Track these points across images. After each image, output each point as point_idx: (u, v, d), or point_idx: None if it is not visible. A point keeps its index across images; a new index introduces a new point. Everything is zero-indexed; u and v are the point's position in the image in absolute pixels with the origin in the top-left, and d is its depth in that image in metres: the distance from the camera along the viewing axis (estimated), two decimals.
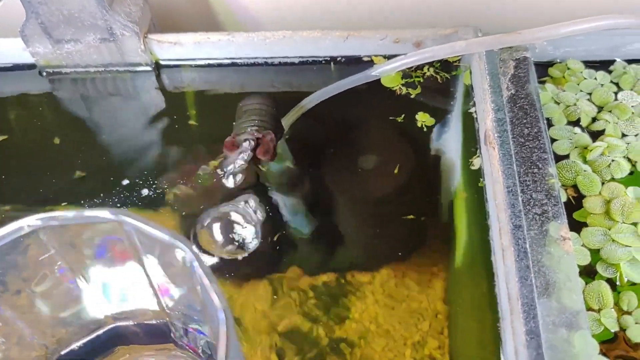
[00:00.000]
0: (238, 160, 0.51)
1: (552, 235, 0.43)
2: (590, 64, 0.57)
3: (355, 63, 0.60)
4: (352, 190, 0.55)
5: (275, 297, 0.47)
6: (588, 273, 0.43)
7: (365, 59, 0.60)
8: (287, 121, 0.57)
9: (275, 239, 0.51)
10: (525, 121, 0.50)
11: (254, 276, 0.49)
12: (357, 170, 0.55)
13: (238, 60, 0.61)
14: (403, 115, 0.56)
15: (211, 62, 0.61)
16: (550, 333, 0.38)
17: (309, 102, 0.58)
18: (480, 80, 0.53)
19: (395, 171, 0.54)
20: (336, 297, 0.47)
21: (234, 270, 0.49)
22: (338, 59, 0.60)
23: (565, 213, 0.44)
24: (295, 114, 0.58)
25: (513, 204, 0.44)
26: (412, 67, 0.58)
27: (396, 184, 0.54)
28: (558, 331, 0.38)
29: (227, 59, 0.61)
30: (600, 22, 0.53)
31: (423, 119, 0.55)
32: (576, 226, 0.46)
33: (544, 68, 0.57)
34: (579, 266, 0.43)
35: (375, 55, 0.59)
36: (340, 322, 0.45)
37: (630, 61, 0.57)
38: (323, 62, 0.61)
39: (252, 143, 0.53)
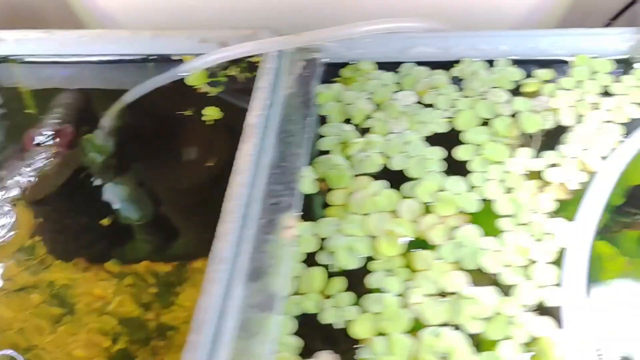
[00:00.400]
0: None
1: (279, 224, 0.46)
2: (385, 66, 0.60)
3: (167, 62, 0.63)
4: (166, 182, 0.58)
5: (110, 281, 0.50)
6: (312, 260, 0.46)
7: (176, 57, 0.63)
8: (107, 117, 0.60)
9: (105, 224, 0.54)
10: (293, 118, 0.53)
11: (91, 262, 0.51)
12: (171, 163, 0.58)
13: (59, 58, 0.64)
14: (199, 110, 0.59)
15: (35, 58, 0.64)
16: (245, 314, 0.41)
17: (123, 100, 0.61)
18: (263, 79, 0.56)
19: (208, 164, 0.57)
20: (168, 284, 0.50)
21: (73, 256, 0.51)
22: (151, 57, 0.63)
23: (301, 204, 0.47)
24: (112, 110, 0.61)
25: (249, 194, 0.47)
26: (218, 67, 0.61)
27: (209, 176, 0.57)
28: (254, 313, 0.41)
29: (48, 55, 0.64)
30: (381, 25, 0.56)
31: (211, 113, 0.58)
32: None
33: (338, 69, 0.60)
34: (307, 254, 0.46)
35: (184, 55, 0.62)
36: (168, 308, 0.48)
37: (419, 63, 0.60)
38: (138, 59, 0.63)
39: (51, 136, 0.56)
